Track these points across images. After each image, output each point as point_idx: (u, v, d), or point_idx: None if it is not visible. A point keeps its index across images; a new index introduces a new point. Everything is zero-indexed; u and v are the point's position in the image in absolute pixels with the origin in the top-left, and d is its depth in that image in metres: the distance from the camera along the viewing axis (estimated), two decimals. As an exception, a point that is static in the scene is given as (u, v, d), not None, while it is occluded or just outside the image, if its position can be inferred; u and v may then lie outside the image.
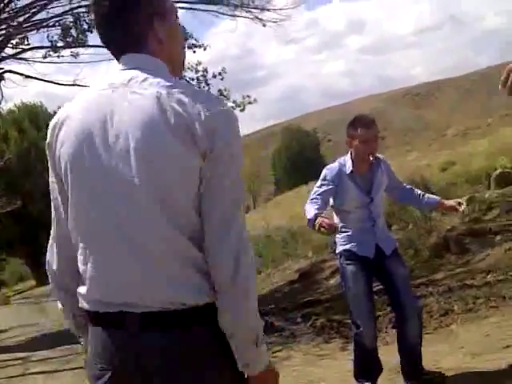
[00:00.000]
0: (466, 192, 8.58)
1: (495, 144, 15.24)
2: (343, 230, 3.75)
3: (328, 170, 3.72)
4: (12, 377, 6.55)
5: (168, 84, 1.41)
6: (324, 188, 3.65)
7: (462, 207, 3.75)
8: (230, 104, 12.13)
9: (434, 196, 4.01)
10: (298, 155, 54.85)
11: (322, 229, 3.19)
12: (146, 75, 1.45)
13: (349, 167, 3.67)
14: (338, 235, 3.79)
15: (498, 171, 10.31)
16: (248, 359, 1.44)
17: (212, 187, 1.39)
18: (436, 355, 3.97)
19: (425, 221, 7.95)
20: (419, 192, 3.94)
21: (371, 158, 3.66)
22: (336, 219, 3.80)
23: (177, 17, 1.58)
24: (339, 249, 3.79)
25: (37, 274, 29.34)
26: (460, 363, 3.92)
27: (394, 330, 4.69)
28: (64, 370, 6.50)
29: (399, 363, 3.72)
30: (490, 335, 4.36)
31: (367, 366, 3.69)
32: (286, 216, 15.15)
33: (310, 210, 3.39)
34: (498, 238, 6.96)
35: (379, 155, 3.82)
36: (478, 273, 6.00)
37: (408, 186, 4.01)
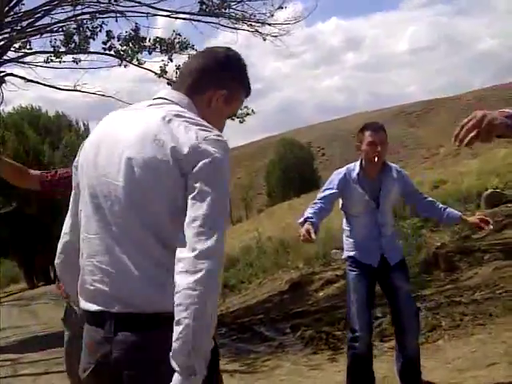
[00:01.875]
0: (456, 210, 8.66)
1: (487, 164, 15.38)
2: (350, 235, 3.84)
3: (334, 175, 3.82)
4: (1, 378, 6.55)
5: (180, 112, 1.60)
6: (327, 192, 3.74)
7: (490, 226, 3.75)
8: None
9: (455, 211, 3.94)
10: (291, 168, 54.97)
11: (301, 237, 3.30)
12: (167, 103, 1.68)
13: (357, 171, 3.74)
14: (345, 240, 3.88)
15: (488, 191, 10.42)
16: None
17: (192, 202, 1.48)
18: (423, 370, 4.03)
19: (415, 237, 8.04)
20: (441, 205, 3.89)
21: (376, 160, 3.66)
22: (344, 224, 3.89)
23: (237, 103, 1.83)
24: (345, 254, 3.88)
25: (28, 277, 29.24)
26: (446, 378, 4.00)
27: (385, 344, 4.78)
28: (53, 372, 6.51)
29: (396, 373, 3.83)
30: (476, 352, 4.44)
31: (360, 375, 3.72)
32: (278, 227, 15.20)
33: (305, 213, 3.49)
34: (487, 256, 7.07)
35: (393, 164, 3.88)
36: (466, 290, 6.08)
37: (429, 199, 3.97)
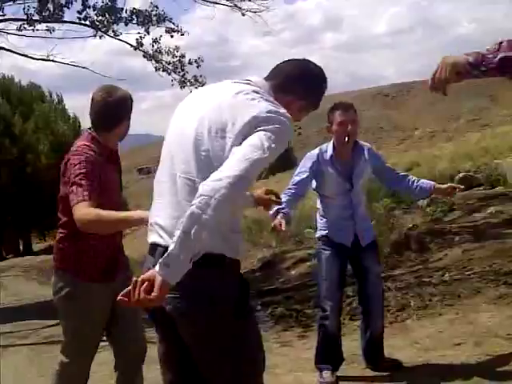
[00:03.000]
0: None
1: (460, 148, 15.54)
2: (324, 215, 3.83)
3: (306, 158, 3.80)
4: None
5: (259, 91, 1.92)
6: (300, 177, 3.73)
7: (457, 190, 3.78)
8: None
9: (428, 182, 3.87)
10: (266, 146, 54.83)
11: (274, 227, 3.32)
12: (252, 84, 1.97)
13: (329, 152, 3.72)
14: (319, 220, 3.88)
15: (461, 174, 10.51)
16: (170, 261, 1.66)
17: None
18: (390, 348, 4.08)
19: (387, 218, 8.10)
20: (413, 179, 3.85)
21: (347, 140, 3.64)
22: (318, 203, 3.88)
23: (304, 114, 2.12)
24: (318, 233, 3.89)
25: (-5, 249, 28.79)
26: (414, 357, 4.05)
27: (354, 322, 4.82)
28: (20, 344, 6.46)
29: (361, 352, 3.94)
30: (443, 332, 4.50)
31: (329, 352, 3.78)
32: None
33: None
34: (457, 238, 7.15)
35: (364, 143, 3.86)
36: (436, 271, 6.15)
37: (402, 174, 3.96)
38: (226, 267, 1.85)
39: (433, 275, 6.03)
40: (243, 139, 1.77)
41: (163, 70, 11.91)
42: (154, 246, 1.90)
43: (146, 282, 1.65)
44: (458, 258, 6.39)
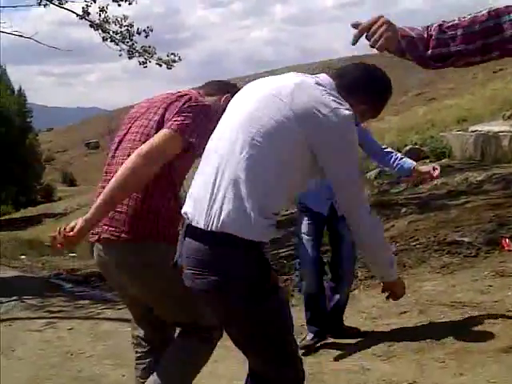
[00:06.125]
0: (376, 166, 8.89)
1: (407, 121, 15.80)
2: None
3: None
4: None
5: (325, 86, 1.94)
6: None
7: (437, 172, 3.82)
8: (154, 62, 11.83)
9: (411, 162, 3.91)
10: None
11: None
12: (317, 79, 2.00)
13: None
14: None
15: (408, 147, 10.73)
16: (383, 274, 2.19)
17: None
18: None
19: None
20: (396, 156, 3.86)
21: None
22: None
23: (364, 119, 2.20)
24: (298, 200, 3.93)
25: None
26: (360, 326, 4.13)
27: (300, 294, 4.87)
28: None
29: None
30: (389, 301, 4.59)
31: (312, 312, 3.92)
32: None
33: None
34: (403, 210, 7.31)
35: None
36: (383, 242, 6.26)
37: (386, 150, 3.95)
38: (246, 248, 1.85)
39: (380, 246, 6.13)
40: (298, 121, 1.84)
41: (111, 41, 11.61)
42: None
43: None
44: (404, 228, 6.53)
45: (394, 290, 2.21)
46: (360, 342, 3.90)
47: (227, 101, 2.46)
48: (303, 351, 3.65)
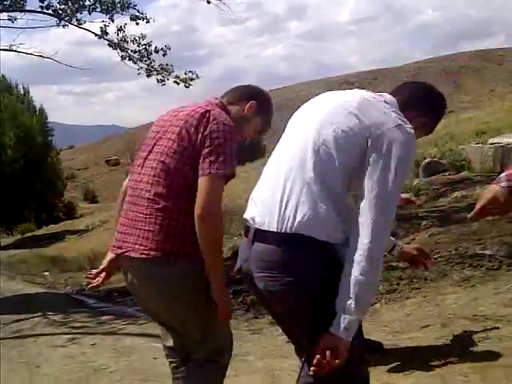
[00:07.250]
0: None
1: (426, 134, 15.68)
2: None
3: None
4: None
5: (389, 104, 2.05)
6: None
7: (418, 202, 3.89)
8: (172, 79, 11.96)
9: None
10: (235, 135, 54.66)
11: None
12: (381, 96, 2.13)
13: None
14: None
15: (427, 160, 10.68)
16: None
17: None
18: (360, 332, 4.13)
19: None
20: None
21: None
22: None
23: (422, 132, 2.29)
24: None
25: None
26: (383, 341, 4.09)
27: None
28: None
29: None
30: (411, 315, 4.58)
31: None
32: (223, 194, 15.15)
33: None
34: (424, 223, 7.27)
35: None
36: (403, 256, 6.23)
37: None
38: (321, 248, 1.91)
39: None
40: (366, 141, 1.92)
41: (129, 59, 11.77)
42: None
43: (328, 351, 1.83)
44: (425, 242, 6.49)
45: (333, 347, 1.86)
46: (383, 357, 3.88)
47: (251, 109, 2.47)
48: None
